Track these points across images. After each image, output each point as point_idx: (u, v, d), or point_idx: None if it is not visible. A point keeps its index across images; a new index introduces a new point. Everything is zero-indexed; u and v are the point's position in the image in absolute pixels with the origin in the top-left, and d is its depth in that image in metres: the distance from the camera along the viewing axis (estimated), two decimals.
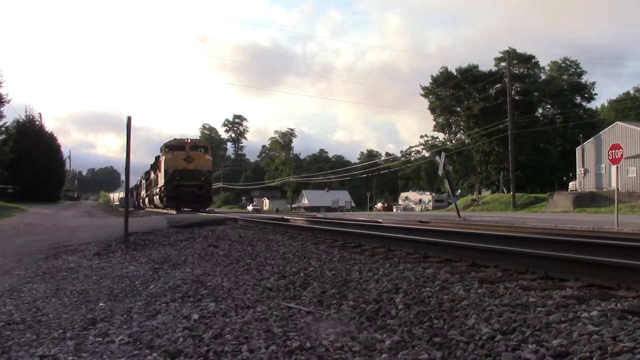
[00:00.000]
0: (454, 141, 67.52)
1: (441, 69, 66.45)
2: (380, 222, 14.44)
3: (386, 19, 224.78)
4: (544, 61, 78.64)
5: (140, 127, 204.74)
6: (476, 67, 64.31)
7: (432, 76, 67.00)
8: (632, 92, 75.02)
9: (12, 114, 58.22)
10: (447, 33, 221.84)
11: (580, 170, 46.32)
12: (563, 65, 72.65)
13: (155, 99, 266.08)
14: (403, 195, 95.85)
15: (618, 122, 45.54)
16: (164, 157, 30.09)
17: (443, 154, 25.42)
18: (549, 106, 68.08)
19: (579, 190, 44.28)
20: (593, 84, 67.69)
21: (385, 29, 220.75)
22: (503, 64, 56.65)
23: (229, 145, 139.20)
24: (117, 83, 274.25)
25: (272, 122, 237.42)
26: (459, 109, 66.14)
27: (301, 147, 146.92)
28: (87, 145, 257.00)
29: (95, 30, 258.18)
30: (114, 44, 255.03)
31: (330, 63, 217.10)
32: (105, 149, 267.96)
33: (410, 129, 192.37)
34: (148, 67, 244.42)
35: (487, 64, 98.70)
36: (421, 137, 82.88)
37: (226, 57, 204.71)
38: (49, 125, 68.22)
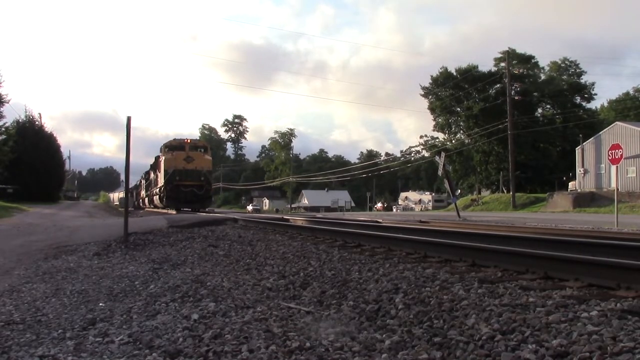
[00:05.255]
0: (453, 141, 67.52)
1: (441, 69, 66.58)
2: (380, 222, 14.44)
3: (379, 15, 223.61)
4: (544, 61, 78.82)
5: (135, 126, 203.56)
6: (476, 67, 64.41)
7: (431, 76, 67.14)
8: (631, 92, 75.22)
9: (12, 114, 58.37)
10: (441, 30, 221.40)
11: (580, 170, 46.32)
12: (563, 65, 72.82)
13: (150, 98, 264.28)
14: (403, 195, 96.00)
15: (618, 122, 45.56)
16: (163, 157, 30.10)
17: (443, 154, 25.47)
18: (548, 106, 68.12)
19: (579, 190, 44.30)
20: (593, 84, 67.98)
21: (379, 24, 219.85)
22: (503, 64, 56.70)
23: (229, 145, 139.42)
24: (111, 82, 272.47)
25: (268, 122, 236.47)
26: (458, 109, 66.15)
27: (299, 147, 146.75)
28: (82, 144, 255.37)
29: (89, 30, 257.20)
30: (108, 42, 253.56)
31: (324, 61, 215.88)
32: (102, 148, 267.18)
33: (407, 128, 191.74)
34: (142, 66, 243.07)
35: (484, 62, 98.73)
36: (421, 137, 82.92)
37: (219, 55, 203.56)
38: (48, 125, 68.14)
